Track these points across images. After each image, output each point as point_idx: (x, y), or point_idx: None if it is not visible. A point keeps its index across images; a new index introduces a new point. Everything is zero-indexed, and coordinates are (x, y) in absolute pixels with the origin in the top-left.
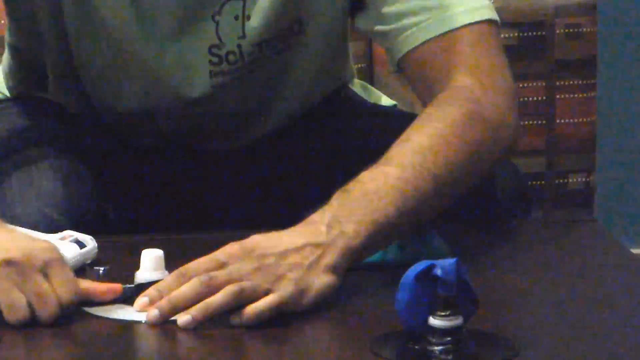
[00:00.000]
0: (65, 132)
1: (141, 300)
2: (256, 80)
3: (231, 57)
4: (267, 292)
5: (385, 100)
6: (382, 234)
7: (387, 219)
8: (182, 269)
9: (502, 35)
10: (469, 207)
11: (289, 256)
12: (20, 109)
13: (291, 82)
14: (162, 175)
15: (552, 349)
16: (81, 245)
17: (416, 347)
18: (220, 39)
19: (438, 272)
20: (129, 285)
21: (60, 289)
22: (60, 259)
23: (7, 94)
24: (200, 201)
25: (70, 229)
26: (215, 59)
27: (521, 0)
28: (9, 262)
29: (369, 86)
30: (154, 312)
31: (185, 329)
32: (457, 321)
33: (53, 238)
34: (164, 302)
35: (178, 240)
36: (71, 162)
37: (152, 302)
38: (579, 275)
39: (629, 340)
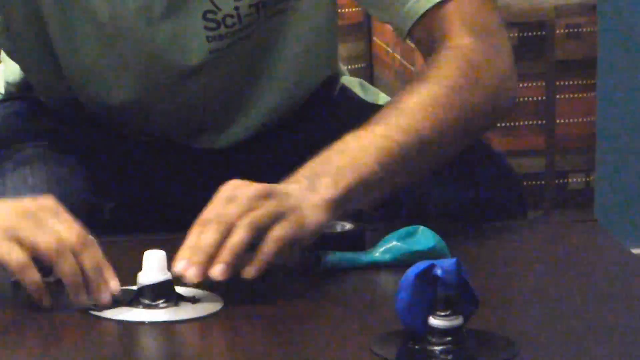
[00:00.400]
0: (61, 131)
1: (180, 264)
2: (251, 47)
3: (229, 20)
4: (278, 215)
5: (384, 99)
6: (363, 188)
7: (369, 173)
8: (199, 220)
9: None
10: (465, 208)
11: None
12: (16, 109)
13: (284, 53)
14: (159, 174)
15: (552, 349)
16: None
17: (416, 347)
18: (215, 5)
19: (438, 272)
20: (131, 288)
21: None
22: (66, 211)
23: (2, 91)
24: (198, 201)
25: None
26: (211, 24)
27: (521, 0)
28: (24, 213)
29: (367, 84)
30: (192, 271)
31: (223, 278)
32: (457, 321)
33: None
34: (196, 256)
35: (177, 240)
36: (66, 161)
37: (190, 260)
38: (579, 275)
39: (629, 340)
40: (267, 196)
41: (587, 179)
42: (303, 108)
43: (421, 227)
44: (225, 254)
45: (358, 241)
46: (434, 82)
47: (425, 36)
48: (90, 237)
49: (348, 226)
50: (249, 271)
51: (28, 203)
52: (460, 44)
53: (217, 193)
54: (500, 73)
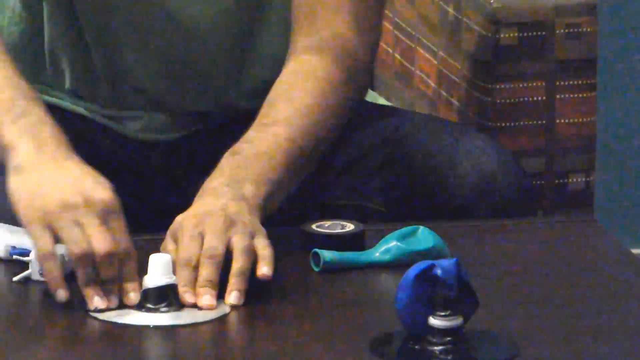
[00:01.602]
0: None
1: (190, 297)
2: None
3: None
4: (252, 235)
5: (383, 103)
6: (276, 193)
7: (279, 178)
8: (183, 261)
9: (502, 35)
10: (472, 206)
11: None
12: None
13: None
14: (158, 174)
15: (552, 349)
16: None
17: (416, 347)
18: None
19: (438, 272)
20: None
21: (117, 235)
22: (120, 212)
23: None
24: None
25: None
26: None
27: (521, 0)
28: (67, 205)
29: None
30: (207, 299)
31: (240, 303)
32: (457, 321)
33: None
34: (205, 289)
35: None
36: None
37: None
38: (579, 275)
39: (629, 340)
40: (231, 223)
41: (587, 179)
42: None
43: (421, 227)
44: (238, 282)
45: (358, 241)
46: (321, 78)
47: (307, 9)
48: (126, 249)
49: (348, 226)
50: (267, 270)
51: (81, 195)
52: (343, 35)
53: (182, 230)
54: (368, 65)
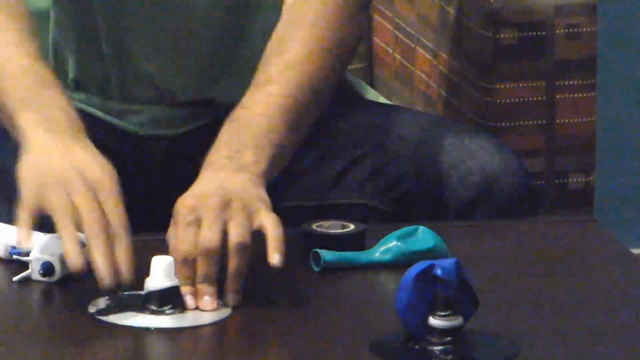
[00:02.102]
0: None
1: (190, 300)
2: None
3: None
4: (250, 215)
5: (383, 101)
6: (279, 154)
7: (280, 138)
8: (180, 258)
9: (502, 35)
10: (476, 206)
11: (228, 189)
12: None
13: None
14: (157, 173)
15: (552, 349)
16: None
17: (416, 347)
18: None
19: (438, 272)
20: (139, 292)
21: (107, 206)
22: (115, 190)
23: None
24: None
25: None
26: None
27: (521, 0)
28: (60, 177)
29: (366, 85)
30: (207, 301)
31: (238, 303)
32: (457, 321)
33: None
34: (205, 288)
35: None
36: None
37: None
38: (579, 275)
39: (629, 341)
40: (228, 202)
41: (587, 179)
42: None
43: (421, 227)
44: (234, 284)
45: (358, 241)
46: (311, 24)
47: None
48: (116, 223)
49: (348, 226)
50: (279, 259)
51: (75, 170)
52: None
53: (178, 217)
54: (365, 3)
